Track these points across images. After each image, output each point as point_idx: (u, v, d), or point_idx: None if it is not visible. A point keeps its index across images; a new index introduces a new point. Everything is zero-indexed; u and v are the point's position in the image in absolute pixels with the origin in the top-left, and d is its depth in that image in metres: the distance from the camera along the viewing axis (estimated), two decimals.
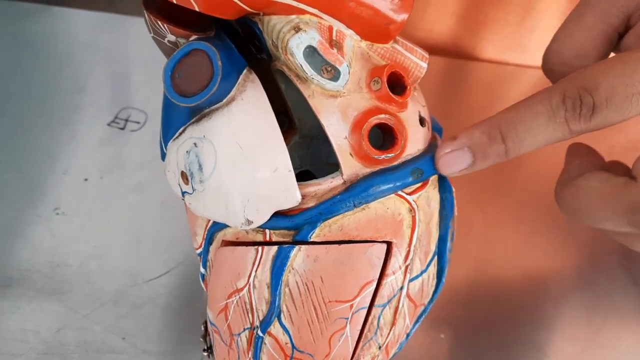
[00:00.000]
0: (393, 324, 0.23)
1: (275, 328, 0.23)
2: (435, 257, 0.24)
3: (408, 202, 0.23)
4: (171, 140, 0.23)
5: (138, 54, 0.48)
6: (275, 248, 0.22)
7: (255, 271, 0.22)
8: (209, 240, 0.24)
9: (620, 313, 0.35)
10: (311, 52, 0.21)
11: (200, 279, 0.26)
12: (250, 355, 0.24)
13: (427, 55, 0.23)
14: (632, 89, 0.20)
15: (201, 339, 0.30)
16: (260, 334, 0.23)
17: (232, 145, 0.21)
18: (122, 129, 0.42)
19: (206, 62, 0.21)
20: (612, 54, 0.25)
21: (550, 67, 0.26)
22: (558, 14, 0.47)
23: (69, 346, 0.32)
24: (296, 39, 0.21)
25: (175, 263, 0.36)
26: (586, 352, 0.33)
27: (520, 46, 0.50)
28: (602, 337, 0.34)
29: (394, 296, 0.23)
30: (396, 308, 0.23)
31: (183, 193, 0.23)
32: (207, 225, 0.24)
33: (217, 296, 0.24)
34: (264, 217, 0.22)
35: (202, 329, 0.30)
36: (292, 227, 0.22)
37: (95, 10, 0.51)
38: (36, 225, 0.37)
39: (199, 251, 0.25)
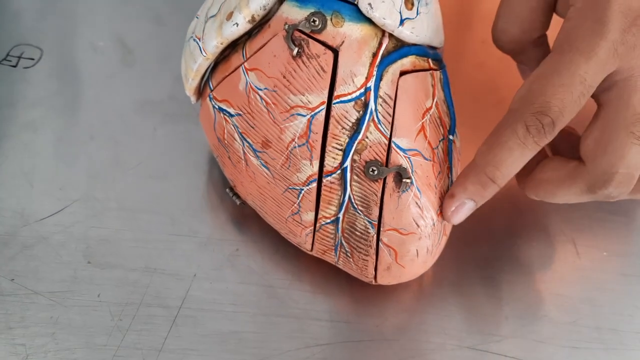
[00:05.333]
0: None
1: (455, 135, 0.30)
2: None
3: None
4: None
5: None
6: (439, 72, 0.29)
7: (435, 91, 0.28)
8: (379, 77, 0.26)
9: None
10: None
11: (375, 117, 0.26)
12: (447, 162, 0.29)
13: None
14: (577, 92, 0.24)
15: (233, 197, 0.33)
16: (451, 138, 0.29)
17: None
18: (15, 66, 0.39)
19: None
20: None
21: (501, 44, 0.30)
22: None
23: None
24: None
25: (71, 201, 0.33)
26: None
27: None
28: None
29: None
30: None
31: (402, 20, 0.26)
32: (374, 63, 0.26)
33: (410, 120, 0.27)
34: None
35: (228, 191, 0.33)
36: (439, 59, 0.29)
37: None
38: None
39: (358, 92, 0.26)
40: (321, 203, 0.27)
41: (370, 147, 0.26)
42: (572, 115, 0.25)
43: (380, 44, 0.27)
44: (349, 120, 0.26)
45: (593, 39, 0.24)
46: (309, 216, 0.28)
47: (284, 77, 0.26)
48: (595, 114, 0.27)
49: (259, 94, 0.27)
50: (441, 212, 0.28)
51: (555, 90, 0.25)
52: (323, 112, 0.26)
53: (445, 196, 0.28)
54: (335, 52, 0.26)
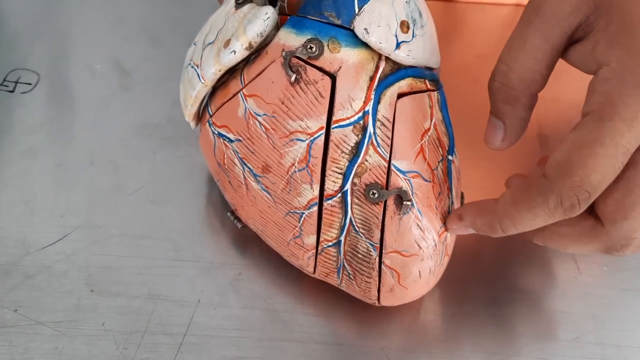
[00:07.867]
0: None
1: (454, 154, 0.30)
2: None
3: None
4: None
5: (29, 12, 0.44)
6: (436, 92, 0.29)
7: (433, 112, 0.28)
8: (377, 100, 0.26)
9: None
10: None
11: (374, 139, 0.27)
12: (447, 182, 0.29)
13: None
14: (618, 164, 0.23)
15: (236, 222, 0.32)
16: (450, 158, 0.29)
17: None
18: (12, 91, 0.39)
19: None
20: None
21: (497, 85, 0.27)
22: None
23: None
24: None
25: (72, 228, 0.33)
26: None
27: None
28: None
29: None
30: None
31: (399, 43, 0.27)
32: (371, 87, 0.26)
33: (409, 142, 0.27)
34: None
35: (229, 215, 0.32)
36: (436, 79, 0.30)
37: None
38: None
39: (357, 116, 0.26)
40: (322, 226, 0.28)
41: (370, 170, 0.27)
42: (607, 185, 0.24)
43: (377, 68, 0.27)
44: (348, 144, 0.26)
45: (636, 106, 0.23)
46: (311, 239, 0.28)
47: (283, 103, 0.27)
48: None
49: (258, 120, 0.27)
50: (445, 229, 0.28)
51: (597, 162, 0.23)
52: (322, 137, 0.26)
53: (453, 212, 0.28)
54: (333, 77, 0.26)
